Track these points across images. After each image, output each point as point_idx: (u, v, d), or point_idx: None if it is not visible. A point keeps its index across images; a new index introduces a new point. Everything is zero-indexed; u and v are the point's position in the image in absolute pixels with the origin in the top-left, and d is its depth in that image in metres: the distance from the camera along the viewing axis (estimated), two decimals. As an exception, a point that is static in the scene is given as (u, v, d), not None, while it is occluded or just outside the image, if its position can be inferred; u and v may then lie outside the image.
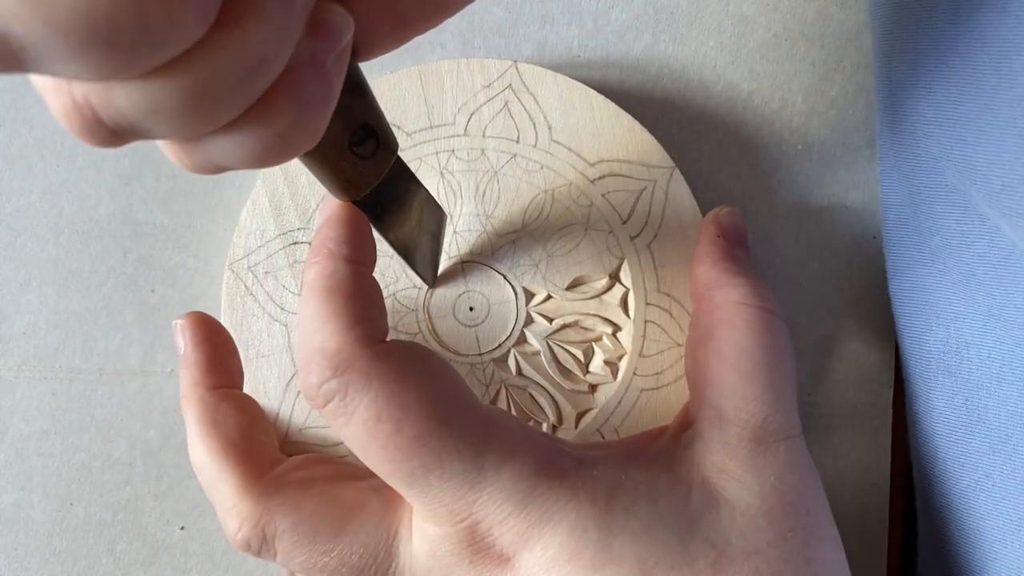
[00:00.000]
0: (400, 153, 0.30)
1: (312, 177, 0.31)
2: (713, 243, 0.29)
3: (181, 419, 0.32)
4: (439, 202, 0.29)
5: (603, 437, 0.30)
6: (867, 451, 0.32)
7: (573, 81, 0.31)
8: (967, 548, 0.28)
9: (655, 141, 0.31)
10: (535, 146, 0.31)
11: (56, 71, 0.14)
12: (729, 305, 0.27)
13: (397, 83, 0.31)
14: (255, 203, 0.31)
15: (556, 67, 0.33)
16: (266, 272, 0.31)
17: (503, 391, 0.30)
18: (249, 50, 0.15)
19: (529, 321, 0.31)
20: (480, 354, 0.31)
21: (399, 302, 0.31)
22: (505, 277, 0.31)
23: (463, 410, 0.24)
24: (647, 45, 0.33)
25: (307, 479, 0.27)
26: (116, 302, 0.33)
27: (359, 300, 0.23)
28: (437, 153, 0.31)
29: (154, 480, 0.32)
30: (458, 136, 0.31)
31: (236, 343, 0.31)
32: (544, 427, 0.30)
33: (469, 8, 0.33)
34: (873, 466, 0.32)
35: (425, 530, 0.24)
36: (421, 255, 0.29)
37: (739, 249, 0.30)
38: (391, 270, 0.31)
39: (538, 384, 0.30)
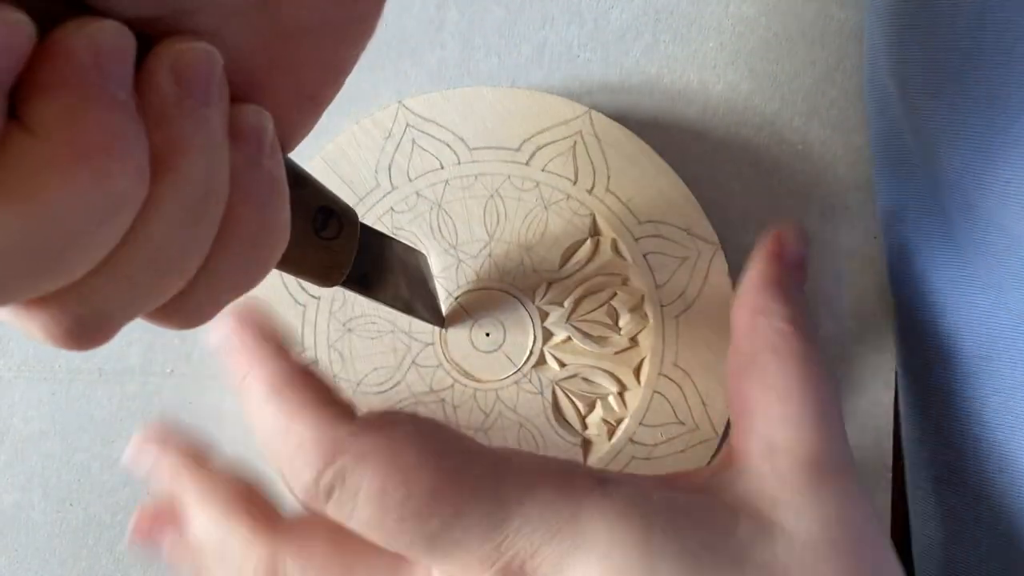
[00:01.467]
0: (454, 166, 0.30)
1: (359, 168, 0.31)
2: (770, 262, 0.28)
3: (180, 419, 0.32)
4: (484, 222, 0.30)
5: None
6: (868, 451, 0.32)
7: (640, 140, 0.31)
8: (1014, 545, 0.27)
9: (705, 216, 0.31)
10: (590, 191, 0.31)
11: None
12: (773, 333, 0.26)
13: (466, 97, 0.31)
14: None
15: (556, 66, 0.33)
16: None
17: (499, 423, 0.31)
18: (194, 186, 0.15)
19: (542, 361, 0.31)
20: (486, 381, 0.31)
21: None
22: (529, 313, 0.31)
23: (469, 457, 0.23)
24: (647, 45, 0.33)
25: (316, 519, 0.26)
26: (116, 302, 0.33)
27: (313, 384, 0.23)
28: (493, 175, 0.31)
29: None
30: (518, 164, 0.31)
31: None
32: None
33: (469, 8, 0.33)
34: (873, 466, 0.32)
35: None
36: (421, 304, 0.29)
37: (796, 272, 0.28)
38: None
39: (534, 425, 0.30)
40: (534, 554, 0.22)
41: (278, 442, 0.22)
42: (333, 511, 0.22)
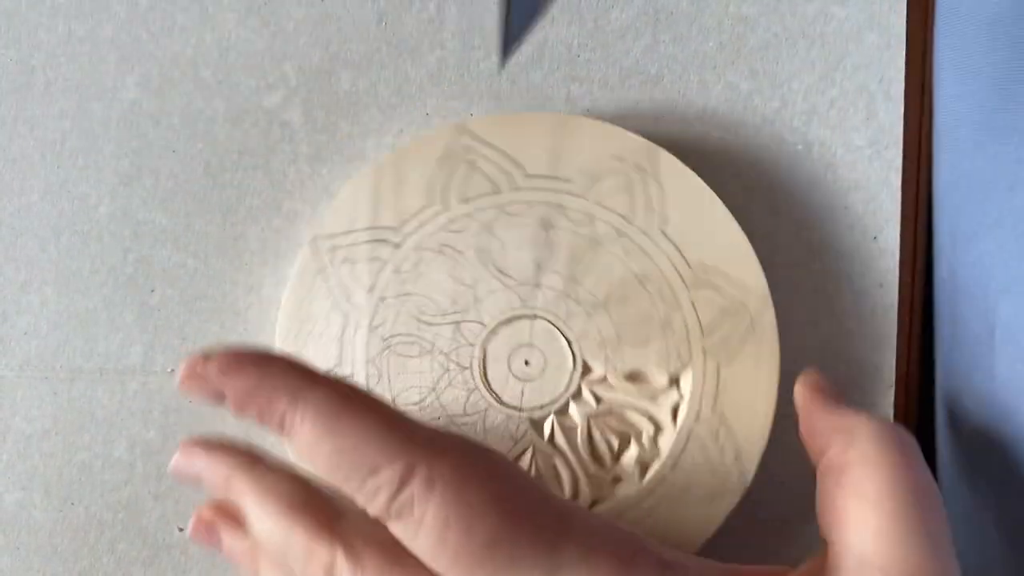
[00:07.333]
0: (513, 193, 0.30)
1: (416, 183, 0.31)
2: (820, 391, 0.27)
3: (181, 419, 0.32)
4: (534, 250, 0.30)
5: None
6: (867, 451, 0.32)
7: (703, 183, 0.31)
8: None
9: (761, 271, 0.31)
10: (644, 232, 0.31)
11: None
12: (863, 442, 0.25)
13: (526, 122, 0.31)
14: (357, 188, 0.31)
15: (555, 66, 0.33)
16: (344, 259, 0.31)
17: (529, 452, 0.30)
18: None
19: (578, 395, 0.30)
20: (520, 408, 0.30)
21: (461, 334, 0.31)
22: (570, 345, 0.31)
23: (535, 506, 0.22)
24: (647, 45, 0.33)
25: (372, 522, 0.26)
26: (116, 302, 0.33)
27: (379, 404, 0.23)
28: (547, 203, 0.31)
29: (154, 480, 0.32)
30: (573, 195, 0.31)
31: (295, 318, 0.31)
32: None
33: (468, 7, 0.33)
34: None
35: None
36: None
37: (841, 398, 0.28)
38: (463, 299, 0.31)
39: (565, 457, 0.30)
40: None
41: (347, 466, 0.22)
42: (397, 533, 0.22)
